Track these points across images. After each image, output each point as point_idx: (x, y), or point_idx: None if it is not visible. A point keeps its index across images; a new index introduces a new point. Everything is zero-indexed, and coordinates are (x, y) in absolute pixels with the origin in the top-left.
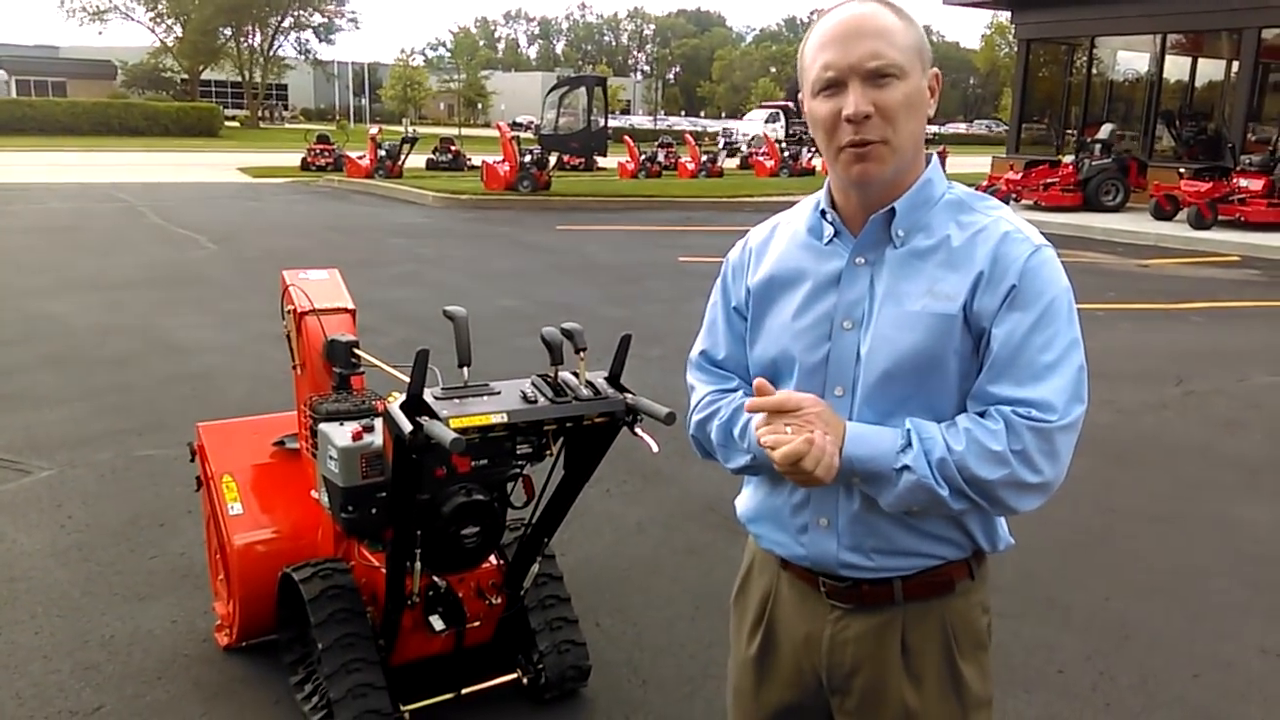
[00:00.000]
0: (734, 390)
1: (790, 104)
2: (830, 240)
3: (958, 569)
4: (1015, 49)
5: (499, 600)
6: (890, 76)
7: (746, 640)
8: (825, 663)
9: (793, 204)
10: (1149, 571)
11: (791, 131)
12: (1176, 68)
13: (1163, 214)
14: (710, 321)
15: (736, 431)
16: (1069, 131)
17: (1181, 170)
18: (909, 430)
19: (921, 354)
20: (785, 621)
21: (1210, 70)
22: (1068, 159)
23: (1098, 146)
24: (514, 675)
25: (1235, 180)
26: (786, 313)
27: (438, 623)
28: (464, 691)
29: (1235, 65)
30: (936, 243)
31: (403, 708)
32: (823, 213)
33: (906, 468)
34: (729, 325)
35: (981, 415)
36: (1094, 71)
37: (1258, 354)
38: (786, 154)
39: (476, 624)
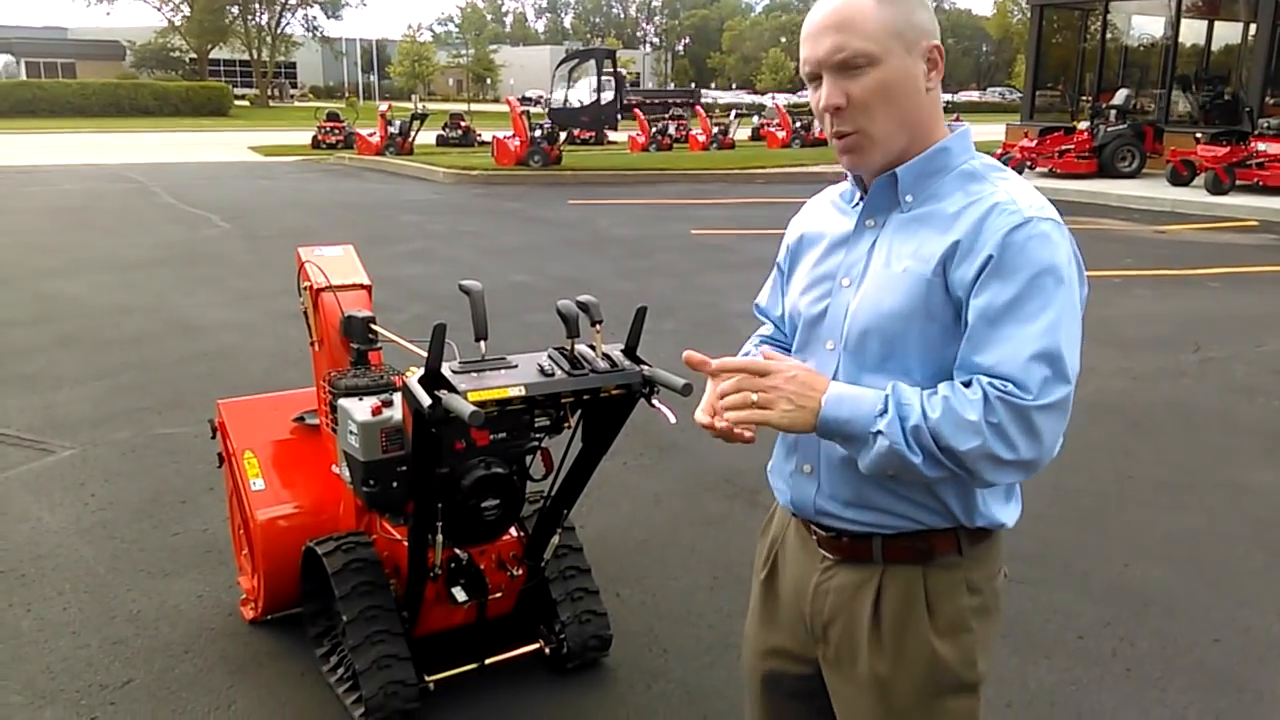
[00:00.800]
0: (769, 335)
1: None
2: (857, 203)
3: (942, 539)
4: (1028, 15)
5: (520, 572)
6: (859, 66)
7: (757, 571)
8: (809, 609)
9: (804, 175)
10: (1167, 538)
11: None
12: (1192, 31)
13: (1179, 179)
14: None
15: None
16: (1084, 98)
17: (1198, 135)
18: (887, 395)
19: (897, 315)
20: (786, 566)
21: (1227, 33)
22: (1083, 125)
23: (1113, 112)
24: (536, 645)
25: (1253, 144)
26: (805, 268)
27: (460, 594)
28: (487, 662)
29: (1253, 28)
30: (937, 209)
31: (427, 678)
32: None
33: (881, 433)
34: (777, 278)
35: (966, 385)
36: (1108, 36)
37: (1276, 320)
38: (798, 124)
39: (498, 595)
